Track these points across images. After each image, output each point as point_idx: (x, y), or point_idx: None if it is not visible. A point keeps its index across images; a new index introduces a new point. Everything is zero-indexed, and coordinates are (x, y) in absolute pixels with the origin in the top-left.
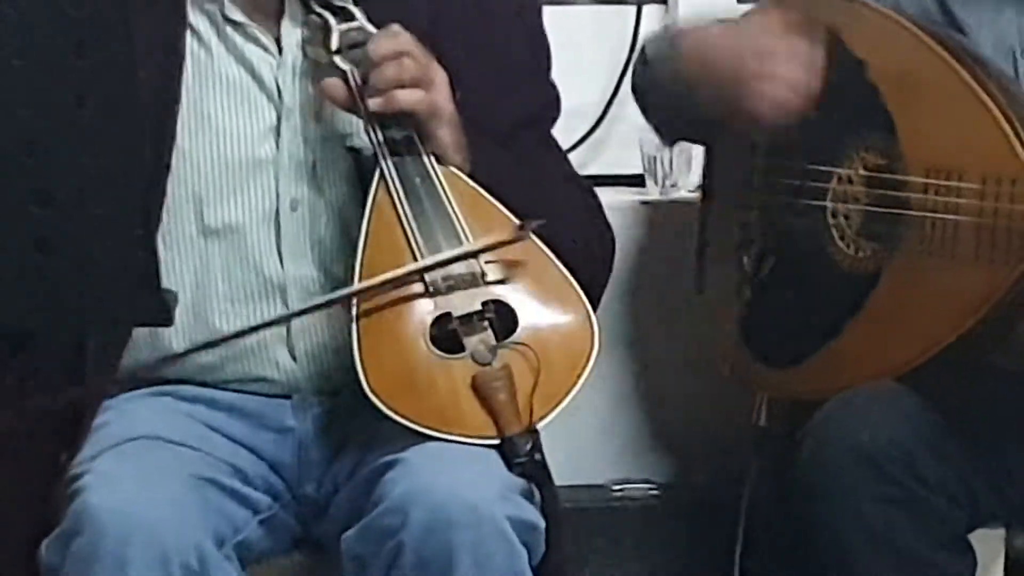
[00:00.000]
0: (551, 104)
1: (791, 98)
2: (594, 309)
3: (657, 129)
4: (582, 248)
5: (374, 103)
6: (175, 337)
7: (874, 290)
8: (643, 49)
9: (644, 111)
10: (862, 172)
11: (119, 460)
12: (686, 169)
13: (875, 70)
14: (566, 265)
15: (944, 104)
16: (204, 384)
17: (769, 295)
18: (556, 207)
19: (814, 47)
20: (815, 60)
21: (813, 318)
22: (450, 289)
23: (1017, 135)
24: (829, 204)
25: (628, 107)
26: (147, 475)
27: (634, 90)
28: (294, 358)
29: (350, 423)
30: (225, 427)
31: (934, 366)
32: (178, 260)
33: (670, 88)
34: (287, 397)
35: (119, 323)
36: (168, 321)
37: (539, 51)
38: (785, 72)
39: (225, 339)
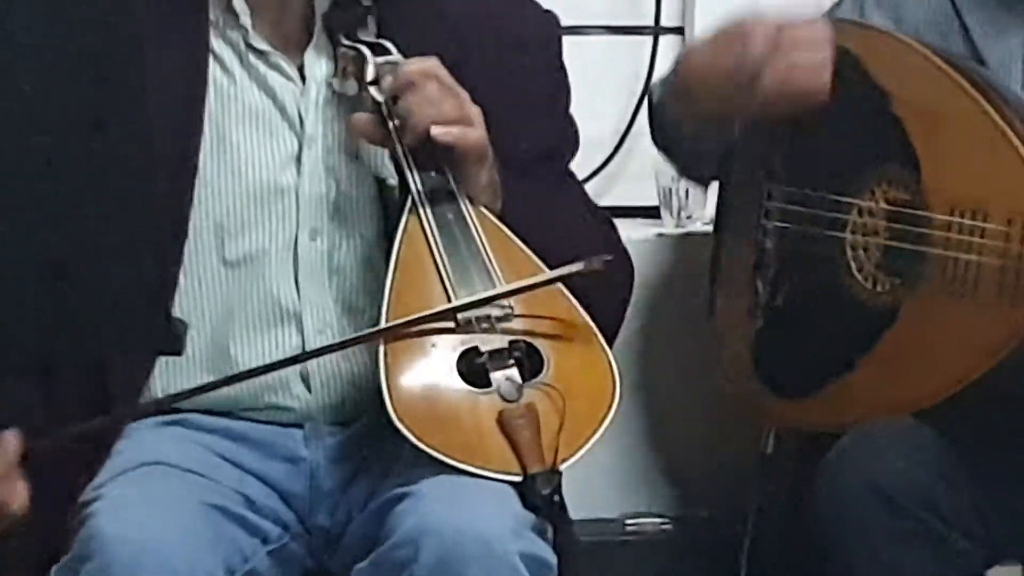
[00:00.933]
0: (570, 139)
1: (808, 79)
2: (613, 340)
3: (685, 169)
4: (603, 279)
5: (414, 121)
6: (195, 365)
7: (891, 327)
8: (650, 94)
9: (667, 152)
10: (883, 205)
11: (130, 487)
12: (702, 201)
13: (900, 103)
14: (588, 296)
15: (970, 141)
16: (216, 412)
17: (781, 323)
18: (578, 240)
19: (822, 32)
20: (826, 43)
21: (826, 350)
22: (479, 322)
23: None
24: (848, 235)
25: (643, 139)
26: (158, 502)
27: (654, 138)
28: (309, 388)
29: (364, 452)
30: (235, 456)
31: (950, 403)
32: (199, 288)
33: (679, 108)
34: (299, 426)
35: (130, 351)
36: (179, 350)
37: (559, 86)
38: (800, 55)
39: (242, 376)
